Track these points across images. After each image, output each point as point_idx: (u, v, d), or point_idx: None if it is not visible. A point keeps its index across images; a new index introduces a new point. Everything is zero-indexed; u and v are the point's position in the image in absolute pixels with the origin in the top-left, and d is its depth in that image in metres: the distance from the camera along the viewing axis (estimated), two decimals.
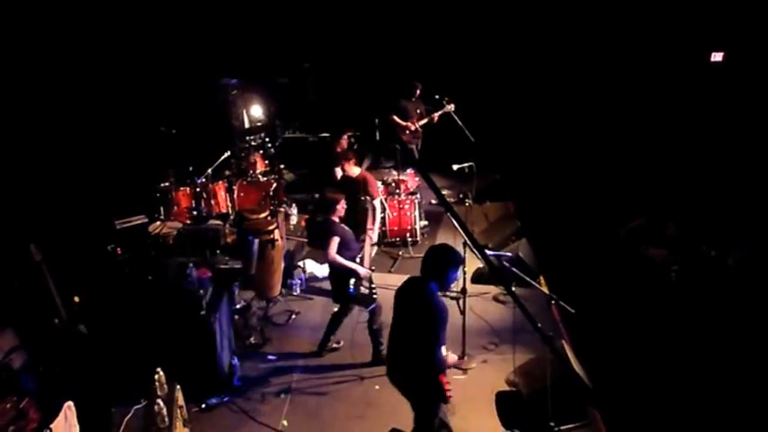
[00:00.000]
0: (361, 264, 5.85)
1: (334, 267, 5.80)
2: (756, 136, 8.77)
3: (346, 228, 5.89)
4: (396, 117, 9.37)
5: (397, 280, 7.43)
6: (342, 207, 5.92)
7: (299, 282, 7.39)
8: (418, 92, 9.37)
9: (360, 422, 5.21)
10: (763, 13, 9.35)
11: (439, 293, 4.20)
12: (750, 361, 5.44)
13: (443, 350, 4.13)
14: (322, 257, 5.95)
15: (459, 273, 4.40)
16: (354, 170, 7.23)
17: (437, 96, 9.14)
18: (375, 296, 5.82)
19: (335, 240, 5.69)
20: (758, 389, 5.12)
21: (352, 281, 5.72)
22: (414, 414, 4.41)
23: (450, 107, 9.02)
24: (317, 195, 9.22)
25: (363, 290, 5.74)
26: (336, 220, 5.86)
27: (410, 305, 4.26)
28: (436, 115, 9.22)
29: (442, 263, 4.21)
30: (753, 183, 7.92)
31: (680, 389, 5.26)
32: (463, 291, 5.94)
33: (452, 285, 5.01)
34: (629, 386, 5.35)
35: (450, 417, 4.70)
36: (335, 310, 6.13)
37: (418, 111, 9.38)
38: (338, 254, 5.69)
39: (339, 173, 7.85)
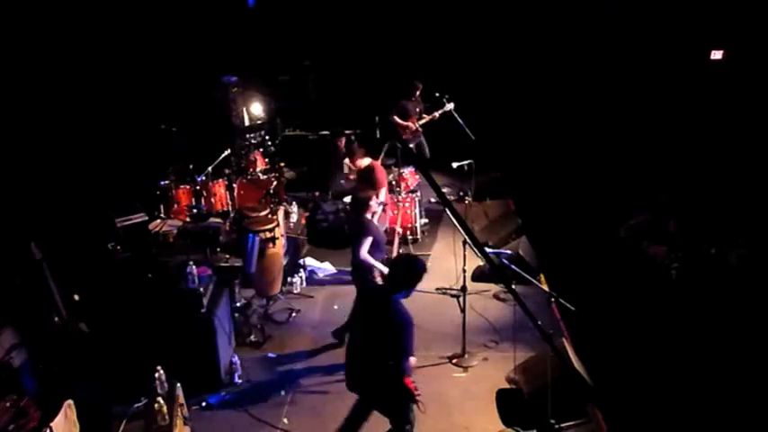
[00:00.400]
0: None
1: (362, 267, 5.70)
2: (756, 133, 8.76)
3: (379, 228, 5.81)
4: (396, 117, 9.38)
5: None
6: (376, 203, 5.83)
7: (300, 280, 7.38)
8: (418, 92, 9.38)
9: None
10: (763, 12, 9.34)
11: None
12: (751, 359, 5.43)
13: (411, 358, 4.17)
14: (352, 256, 5.80)
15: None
16: (364, 162, 7.19)
17: (437, 94, 9.14)
18: None
19: (368, 241, 5.58)
20: (759, 387, 5.12)
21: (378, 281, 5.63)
22: (388, 419, 4.43)
23: (450, 105, 9.02)
24: (316, 193, 9.23)
25: None
26: (369, 217, 5.76)
27: (376, 317, 4.25)
28: (437, 114, 9.22)
29: (412, 276, 4.27)
30: (754, 180, 7.91)
31: (681, 387, 5.26)
32: (463, 289, 5.94)
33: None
34: (630, 384, 5.35)
35: (446, 415, 4.68)
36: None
37: (418, 110, 9.39)
38: (369, 254, 5.58)
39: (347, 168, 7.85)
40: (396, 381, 4.18)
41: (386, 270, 5.62)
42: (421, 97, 9.48)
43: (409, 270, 4.30)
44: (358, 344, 4.39)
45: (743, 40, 9.76)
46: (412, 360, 4.25)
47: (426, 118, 9.35)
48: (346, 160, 8.23)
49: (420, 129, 9.48)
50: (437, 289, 7.22)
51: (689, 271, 6.43)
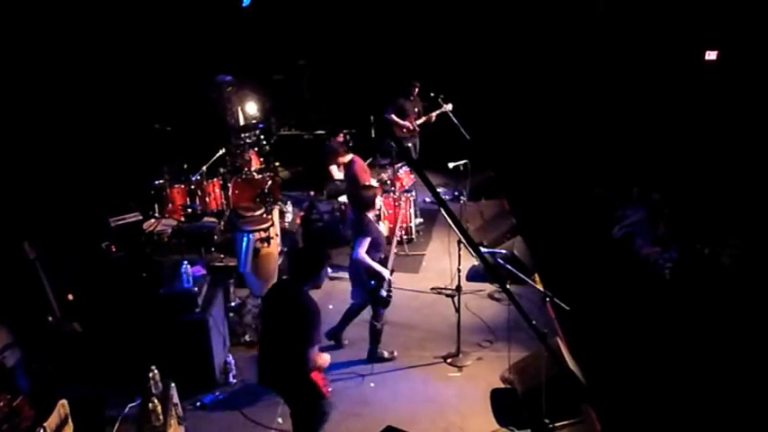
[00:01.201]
0: (385, 264, 5.74)
1: (359, 266, 5.68)
2: (750, 134, 8.80)
3: (379, 227, 5.78)
4: (394, 116, 9.40)
5: (392, 277, 7.48)
6: (380, 202, 5.80)
7: None
8: (416, 91, 9.41)
9: (355, 420, 5.21)
10: (757, 12, 9.38)
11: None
12: (744, 358, 5.46)
13: (315, 350, 4.18)
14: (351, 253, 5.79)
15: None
16: (346, 158, 7.31)
17: (432, 94, 9.16)
18: (390, 299, 5.76)
19: (367, 241, 5.56)
20: (753, 386, 5.14)
21: (373, 282, 5.63)
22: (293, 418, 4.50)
23: (448, 107, 9.05)
24: (311, 193, 9.22)
25: (383, 292, 5.63)
26: (372, 217, 5.73)
27: (284, 309, 4.29)
28: (434, 115, 9.26)
29: (316, 265, 4.32)
30: (746, 180, 7.95)
31: (674, 386, 5.28)
32: (458, 288, 5.95)
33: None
34: (624, 383, 5.37)
35: (440, 415, 4.65)
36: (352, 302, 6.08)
37: (416, 109, 9.42)
38: (367, 254, 5.57)
39: (334, 172, 7.89)
40: (301, 372, 4.19)
41: (383, 270, 5.64)
42: (419, 96, 9.51)
43: (313, 261, 4.35)
44: (268, 337, 4.44)
45: (737, 41, 9.79)
46: (323, 356, 4.29)
47: (423, 118, 9.37)
48: (333, 167, 8.21)
49: (418, 128, 9.51)
50: (432, 289, 7.24)
51: (682, 271, 6.46)
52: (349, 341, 6.27)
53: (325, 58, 11.28)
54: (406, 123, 9.36)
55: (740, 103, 9.29)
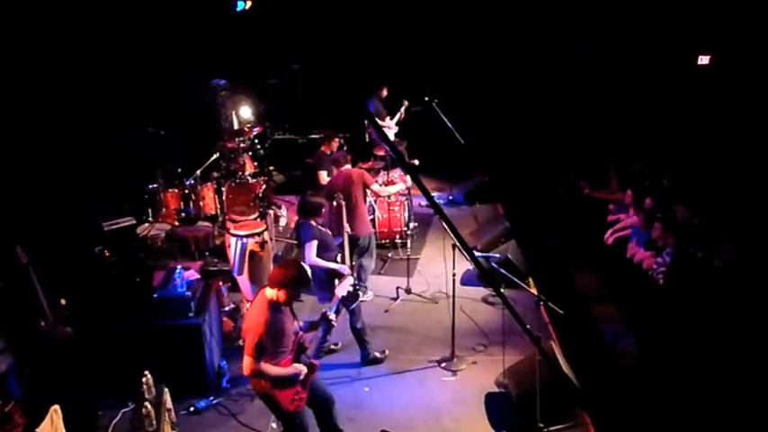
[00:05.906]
0: (343, 262, 5.77)
1: (316, 270, 5.67)
2: (743, 138, 8.84)
3: (323, 229, 5.82)
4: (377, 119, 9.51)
5: (387, 282, 7.51)
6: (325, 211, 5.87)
7: None
8: (385, 94, 9.57)
9: (349, 424, 5.19)
10: (750, 16, 9.43)
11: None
12: (739, 362, 5.47)
13: (264, 364, 4.10)
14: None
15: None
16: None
17: (426, 98, 9.22)
18: (359, 293, 5.77)
19: (313, 245, 5.61)
20: (748, 390, 5.15)
21: (336, 281, 5.61)
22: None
23: (406, 103, 9.67)
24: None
25: (349, 288, 5.64)
26: (313, 223, 5.76)
27: (248, 313, 4.36)
28: (401, 112, 9.74)
29: (298, 277, 4.17)
30: (739, 183, 7.98)
31: (667, 390, 5.29)
32: (452, 291, 5.97)
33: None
34: (617, 387, 5.38)
35: (435, 419, 4.63)
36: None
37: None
38: (318, 256, 5.62)
39: (323, 177, 7.86)
40: (264, 382, 4.19)
41: (338, 267, 5.65)
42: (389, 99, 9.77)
43: (295, 272, 4.20)
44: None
45: (730, 45, 9.84)
46: (294, 367, 4.24)
47: (397, 116, 9.74)
48: (323, 172, 8.09)
49: (396, 127, 9.79)
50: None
51: (676, 275, 6.46)
52: (342, 344, 6.27)
53: (319, 61, 11.29)
54: (387, 125, 9.57)
55: (734, 106, 9.32)
